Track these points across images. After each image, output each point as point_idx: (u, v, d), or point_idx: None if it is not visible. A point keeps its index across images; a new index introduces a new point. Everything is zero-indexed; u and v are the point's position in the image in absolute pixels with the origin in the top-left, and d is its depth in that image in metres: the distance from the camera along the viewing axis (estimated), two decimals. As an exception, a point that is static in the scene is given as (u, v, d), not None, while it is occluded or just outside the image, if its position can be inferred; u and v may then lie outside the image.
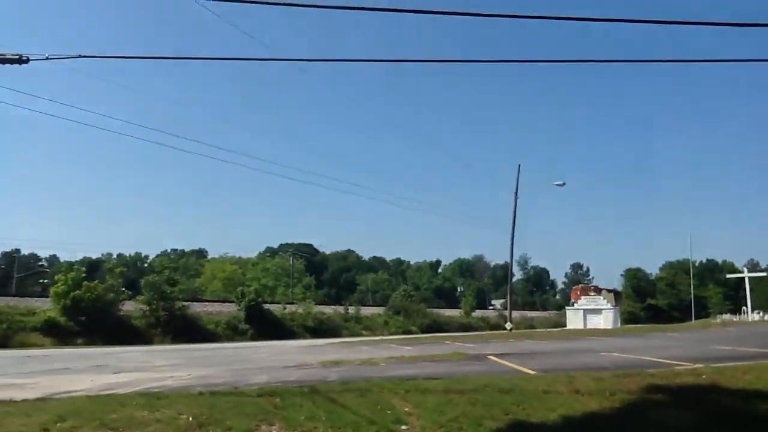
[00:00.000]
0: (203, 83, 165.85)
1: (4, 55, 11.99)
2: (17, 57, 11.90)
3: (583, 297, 75.11)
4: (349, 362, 18.22)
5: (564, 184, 53.59)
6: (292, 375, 14.92)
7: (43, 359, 22.77)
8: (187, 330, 42.24)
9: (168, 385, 13.31)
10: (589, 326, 65.72)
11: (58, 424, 8.31)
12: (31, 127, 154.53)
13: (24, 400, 10.92)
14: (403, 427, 8.29)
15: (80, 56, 11.67)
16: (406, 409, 9.27)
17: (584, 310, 71.56)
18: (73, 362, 20.98)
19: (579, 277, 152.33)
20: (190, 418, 8.55)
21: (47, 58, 11.88)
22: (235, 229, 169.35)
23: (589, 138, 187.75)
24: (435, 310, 72.90)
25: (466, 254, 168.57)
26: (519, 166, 52.46)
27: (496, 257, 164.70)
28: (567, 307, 75.78)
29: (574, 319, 70.82)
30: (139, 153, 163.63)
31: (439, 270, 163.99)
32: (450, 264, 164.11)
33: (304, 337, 47.82)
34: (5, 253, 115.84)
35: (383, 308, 68.43)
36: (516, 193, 50.89)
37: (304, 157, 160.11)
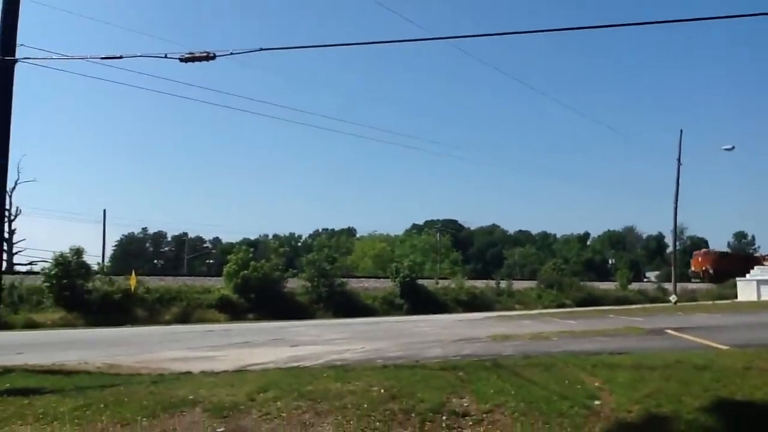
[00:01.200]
0: (346, 64, 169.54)
1: (194, 53, 12.81)
2: (205, 54, 12.67)
3: (756, 267, 70.57)
4: (518, 336, 18.04)
5: (733, 148, 50.04)
6: (465, 348, 15.00)
7: (222, 333, 24.41)
8: (347, 305, 43.77)
9: (348, 358, 13.82)
10: (764, 298, 60.99)
11: (261, 394, 8.81)
12: (207, 116, 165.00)
13: (224, 372, 11.75)
14: (597, 402, 8.05)
15: (261, 49, 12.20)
16: (596, 384, 9.00)
17: (757, 281, 66.42)
18: (251, 336, 22.33)
19: (743, 246, 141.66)
20: (382, 390, 8.76)
21: (231, 54, 12.55)
22: (382, 207, 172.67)
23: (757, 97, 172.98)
24: (588, 284, 70.64)
25: (616, 226, 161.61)
26: (681, 131, 49.93)
27: (648, 228, 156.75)
28: (738, 279, 70.81)
29: (745, 291, 65.97)
30: (295, 138, 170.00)
31: (588, 242, 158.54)
32: (599, 236, 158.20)
33: (457, 311, 48.05)
34: (175, 237, 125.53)
35: (533, 282, 67.23)
36: (678, 160, 48.20)
37: (447, 132, 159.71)
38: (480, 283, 60.14)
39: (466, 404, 8.05)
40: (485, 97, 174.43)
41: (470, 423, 7.31)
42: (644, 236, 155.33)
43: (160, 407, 8.37)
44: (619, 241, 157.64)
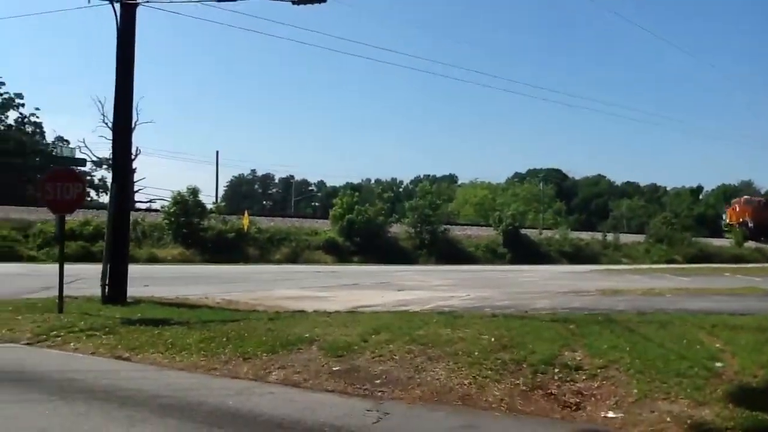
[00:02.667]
0: (467, 10, 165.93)
1: (307, -5, 12.92)
2: (319, -4, 12.78)
3: None
4: (629, 291, 17.60)
5: None
6: (574, 301, 14.80)
7: (330, 274, 25.17)
8: (449, 252, 43.93)
9: (455, 305, 13.94)
10: None
11: (374, 336, 9.06)
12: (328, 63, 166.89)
13: (336, 312, 12.15)
14: (718, 364, 7.76)
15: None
16: (717, 345, 8.67)
17: None
18: (358, 278, 22.93)
19: None
20: (492, 339, 8.80)
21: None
22: (484, 154, 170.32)
23: None
24: (700, 240, 67.46)
25: (732, 179, 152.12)
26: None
27: (766, 182, 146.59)
28: None
29: None
30: (400, 84, 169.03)
31: (700, 196, 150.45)
32: (713, 190, 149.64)
33: (561, 263, 47.28)
34: (282, 179, 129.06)
35: (640, 236, 64.87)
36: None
37: (550, 77, 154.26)
38: (585, 235, 58.73)
39: (579, 358, 7.95)
40: (592, 38, 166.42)
41: (583, 377, 7.23)
42: (762, 191, 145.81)
43: (279, 343, 8.78)
44: (735, 195, 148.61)
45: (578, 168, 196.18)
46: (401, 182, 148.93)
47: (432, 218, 44.41)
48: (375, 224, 41.34)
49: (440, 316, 10.83)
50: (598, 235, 59.22)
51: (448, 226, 47.32)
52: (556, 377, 7.23)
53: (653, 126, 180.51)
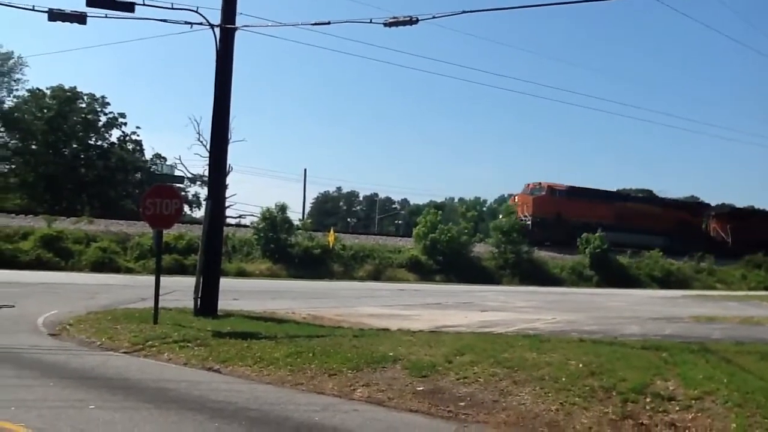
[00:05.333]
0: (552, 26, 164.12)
1: (397, 18, 13.12)
2: (408, 18, 12.95)
3: None
4: (725, 319, 16.83)
5: None
6: (666, 328, 14.28)
7: (413, 293, 25.21)
8: (533, 273, 43.14)
9: (540, 328, 13.70)
10: None
11: (458, 357, 9.01)
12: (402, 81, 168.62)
13: (420, 331, 12.15)
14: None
15: (463, 12, 12.21)
16: (826, 381, 8.16)
17: None
18: (440, 297, 22.86)
19: None
20: (580, 365, 8.59)
21: (433, 18, 12.69)
22: (572, 173, 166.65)
23: None
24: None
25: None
26: None
27: None
28: None
29: None
30: (486, 104, 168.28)
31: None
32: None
33: (651, 287, 45.57)
34: (366, 197, 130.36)
35: (736, 261, 61.57)
36: None
37: (640, 95, 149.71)
38: (676, 259, 56.42)
39: (671, 388, 7.66)
40: (692, 56, 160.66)
41: (677, 408, 6.96)
42: None
43: (363, 361, 8.86)
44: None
45: (670, 188, 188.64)
46: (485, 201, 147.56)
47: (516, 238, 43.78)
48: (458, 243, 41.12)
49: (526, 340, 10.67)
50: (692, 260, 56.71)
51: (533, 247, 46.51)
52: (647, 407, 7.00)
53: (755, 146, 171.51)
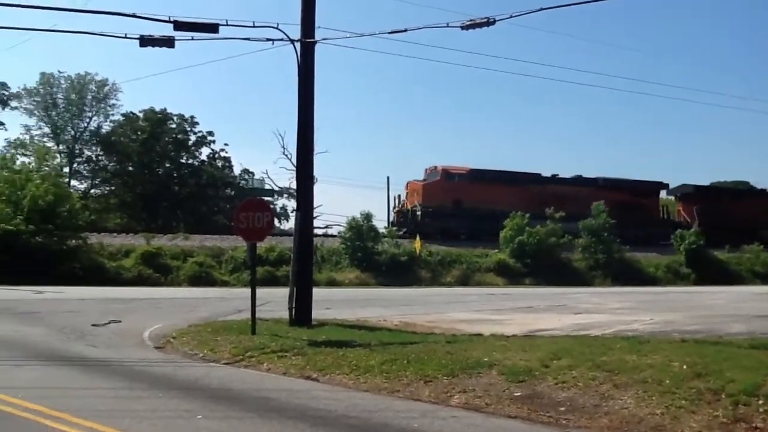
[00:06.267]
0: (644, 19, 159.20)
1: (474, 20, 13.08)
2: (485, 20, 12.88)
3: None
4: (841, 316, 15.84)
5: None
6: (775, 326, 13.57)
7: (503, 297, 24.94)
8: (626, 273, 41.84)
9: (639, 330, 13.30)
10: None
11: (554, 362, 8.85)
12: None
13: (513, 336, 12.03)
14: None
15: (541, 9, 12.05)
16: None
17: None
18: (532, 301, 22.51)
19: None
20: (684, 366, 8.27)
21: (510, 17, 12.58)
22: (663, 169, 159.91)
23: None
24: None
25: None
26: None
27: None
28: None
29: None
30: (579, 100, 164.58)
31: None
32: None
33: (754, 283, 43.38)
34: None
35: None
36: None
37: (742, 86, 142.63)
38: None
39: (785, 389, 7.29)
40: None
41: (795, 411, 6.61)
42: None
43: (458, 367, 8.84)
44: None
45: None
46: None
47: (607, 238, 42.59)
48: (547, 245, 40.43)
49: (624, 342, 10.36)
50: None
51: (624, 247, 45.09)
52: (761, 409, 6.68)
53: None
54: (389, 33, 14.86)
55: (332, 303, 18.24)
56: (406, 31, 14.54)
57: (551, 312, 18.47)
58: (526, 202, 42.80)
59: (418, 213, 41.57)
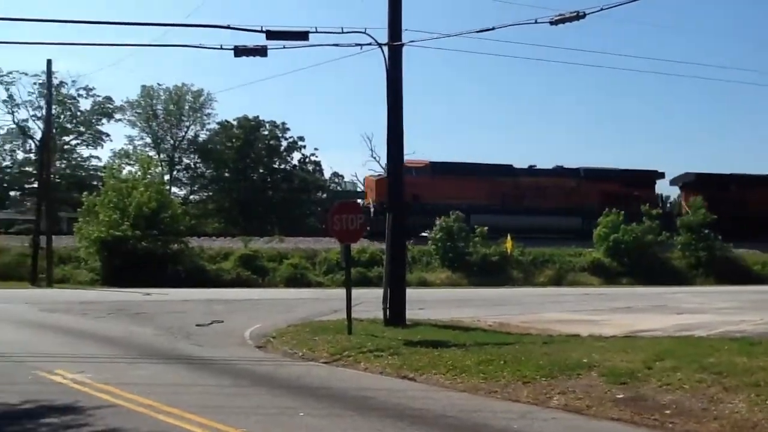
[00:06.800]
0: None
1: (564, 15, 12.85)
2: (575, 14, 12.63)
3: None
4: None
5: None
6: None
7: (599, 297, 24.31)
8: (730, 271, 39.72)
9: (747, 330, 12.74)
10: None
11: (657, 363, 8.61)
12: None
13: (612, 337, 11.74)
14: None
15: (631, 0, 11.71)
16: None
17: None
18: (629, 301, 21.84)
19: None
20: (801, 369, 7.88)
21: (601, 9, 12.29)
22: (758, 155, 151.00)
23: None
24: None
25: None
26: None
27: None
28: None
29: None
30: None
31: None
32: None
33: None
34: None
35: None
36: None
37: None
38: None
39: None
40: None
41: None
42: None
43: (557, 368, 8.72)
44: None
45: None
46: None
47: (708, 235, 40.69)
48: (644, 243, 39.04)
49: (733, 343, 9.94)
50: None
51: (727, 243, 42.89)
52: None
53: None
54: (477, 32, 14.82)
55: (424, 303, 18.30)
56: (494, 29, 14.44)
57: (651, 312, 17.90)
58: (496, 196, 40.49)
59: (371, 210, 37.94)
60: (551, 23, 13.25)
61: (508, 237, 36.83)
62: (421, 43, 15.82)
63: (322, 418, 7.06)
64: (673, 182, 48.76)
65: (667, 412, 6.99)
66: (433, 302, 19.94)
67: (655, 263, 39.47)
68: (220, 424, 6.56)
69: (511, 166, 42.85)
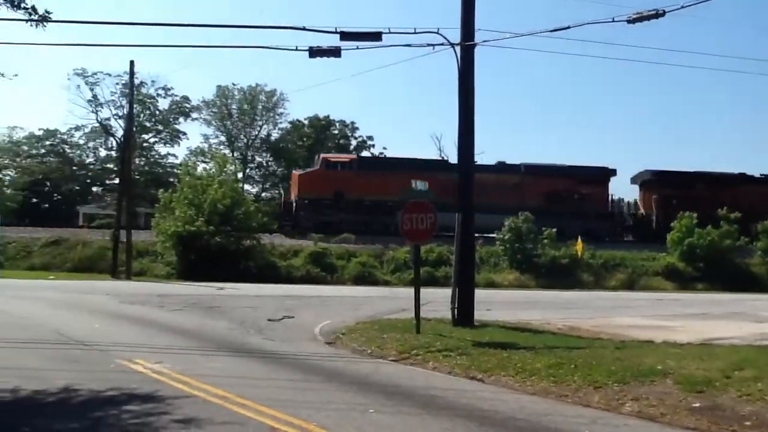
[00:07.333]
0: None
1: (641, 13, 12.61)
2: (654, 12, 12.38)
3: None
4: None
5: None
6: None
7: (673, 303, 23.65)
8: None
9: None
10: None
11: (737, 372, 8.37)
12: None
13: (688, 344, 11.42)
14: None
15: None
16: None
17: None
18: (704, 307, 21.16)
19: None
20: None
21: (682, 8, 11.99)
22: None
23: None
24: None
25: None
26: None
27: None
28: None
29: None
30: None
31: None
32: None
33: None
34: (614, 201, 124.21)
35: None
36: None
37: None
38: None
39: None
40: None
41: None
42: None
43: (629, 374, 8.57)
44: None
45: None
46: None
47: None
48: (720, 248, 37.67)
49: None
50: None
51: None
52: None
53: None
54: (551, 31, 14.63)
55: (492, 304, 18.18)
56: (569, 27, 14.23)
57: (728, 319, 17.27)
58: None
59: (293, 206, 38.40)
60: (629, 22, 13.01)
61: (578, 240, 36.19)
62: (494, 43, 15.72)
63: (392, 415, 7.14)
64: (633, 180, 46.29)
65: (747, 423, 6.77)
66: (500, 303, 19.79)
67: (732, 269, 38.06)
68: (292, 417, 6.71)
69: (446, 161, 40.86)
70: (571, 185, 41.47)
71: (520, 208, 37.16)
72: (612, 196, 44.57)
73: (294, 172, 42.62)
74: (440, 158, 41.45)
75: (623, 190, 67.55)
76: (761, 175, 44.99)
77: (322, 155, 42.37)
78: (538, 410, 7.51)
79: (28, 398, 7.57)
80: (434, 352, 10.85)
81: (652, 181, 44.09)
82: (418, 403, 7.83)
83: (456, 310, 13.84)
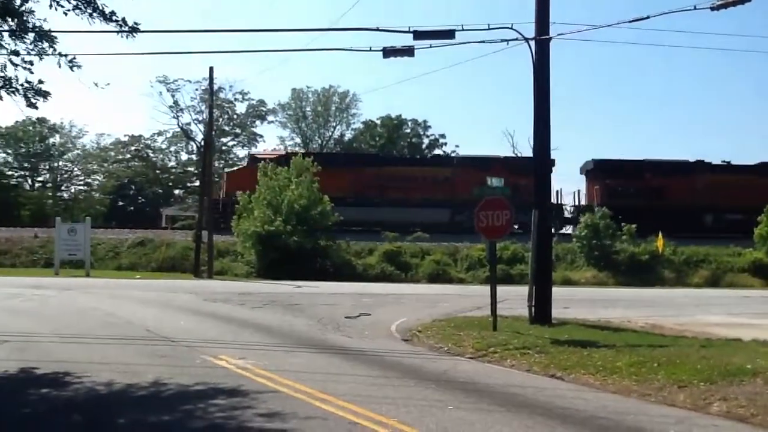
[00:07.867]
0: None
1: (722, 1, 12.21)
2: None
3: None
4: None
5: None
6: None
7: (762, 300, 22.77)
8: None
9: None
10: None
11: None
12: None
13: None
14: None
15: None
16: None
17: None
18: (797, 305, 20.24)
19: None
20: None
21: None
22: None
23: None
24: None
25: None
26: None
27: None
28: None
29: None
30: None
31: None
32: None
33: None
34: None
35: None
36: None
37: None
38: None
39: None
40: None
41: None
42: None
43: (716, 373, 8.33)
44: None
45: None
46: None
47: None
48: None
49: None
50: None
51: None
52: None
53: None
54: (630, 21, 14.29)
55: (570, 302, 17.91)
56: (648, 17, 13.86)
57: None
58: (359, 188, 37.78)
59: (220, 204, 37.26)
60: (712, 9, 12.59)
61: (659, 235, 35.09)
62: (570, 36, 15.42)
63: (471, 412, 7.17)
64: (580, 171, 43.71)
65: (843, 425, 6.49)
66: (578, 301, 19.47)
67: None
68: (373, 413, 6.81)
69: (377, 155, 39.47)
70: (505, 177, 39.28)
71: (448, 202, 36.32)
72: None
73: (227, 170, 42.15)
74: (369, 153, 40.23)
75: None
76: (723, 161, 42.85)
77: (252, 152, 41.63)
78: (620, 409, 7.39)
79: (121, 391, 7.97)
80: (512, 349, 10.81)
81: (595, 171, 41.87)
82: (496, 400, 7.83)
83: (533, 308, 13.73)
